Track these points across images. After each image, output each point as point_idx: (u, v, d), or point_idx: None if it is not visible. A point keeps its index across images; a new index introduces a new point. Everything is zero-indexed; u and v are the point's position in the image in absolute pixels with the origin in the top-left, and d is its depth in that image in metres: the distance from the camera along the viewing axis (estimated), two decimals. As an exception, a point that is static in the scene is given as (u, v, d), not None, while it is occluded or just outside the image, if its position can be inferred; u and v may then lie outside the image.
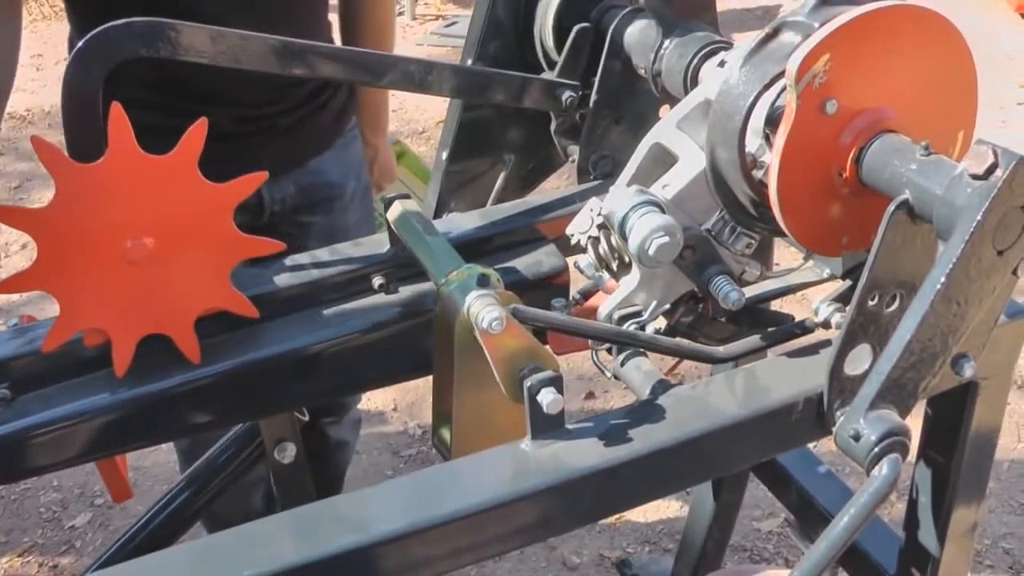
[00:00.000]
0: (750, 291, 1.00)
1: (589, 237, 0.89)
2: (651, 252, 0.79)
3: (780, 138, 0.79)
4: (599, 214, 0.84)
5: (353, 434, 1.97)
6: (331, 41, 1.70)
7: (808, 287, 1.05)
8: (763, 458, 1.05)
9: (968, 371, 0.87)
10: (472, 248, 1.12)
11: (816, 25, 0.80)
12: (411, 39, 5.08)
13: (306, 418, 1.28)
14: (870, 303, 0.80)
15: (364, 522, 0.73)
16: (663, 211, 0.82)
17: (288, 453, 1.21)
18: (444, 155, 1.23)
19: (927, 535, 1.05)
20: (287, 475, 1.23)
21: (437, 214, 1.26)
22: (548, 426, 0.77)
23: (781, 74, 0.81)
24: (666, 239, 0.79)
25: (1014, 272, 0.81)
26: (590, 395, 2.54)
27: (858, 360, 0.82)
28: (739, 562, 2.05)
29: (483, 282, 0.85)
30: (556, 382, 0.76)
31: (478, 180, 1.28)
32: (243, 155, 1.60)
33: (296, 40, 1.04)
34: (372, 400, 2.58)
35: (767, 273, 0.97)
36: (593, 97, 1.14)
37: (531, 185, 1.32)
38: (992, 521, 2.16)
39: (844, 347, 0.81)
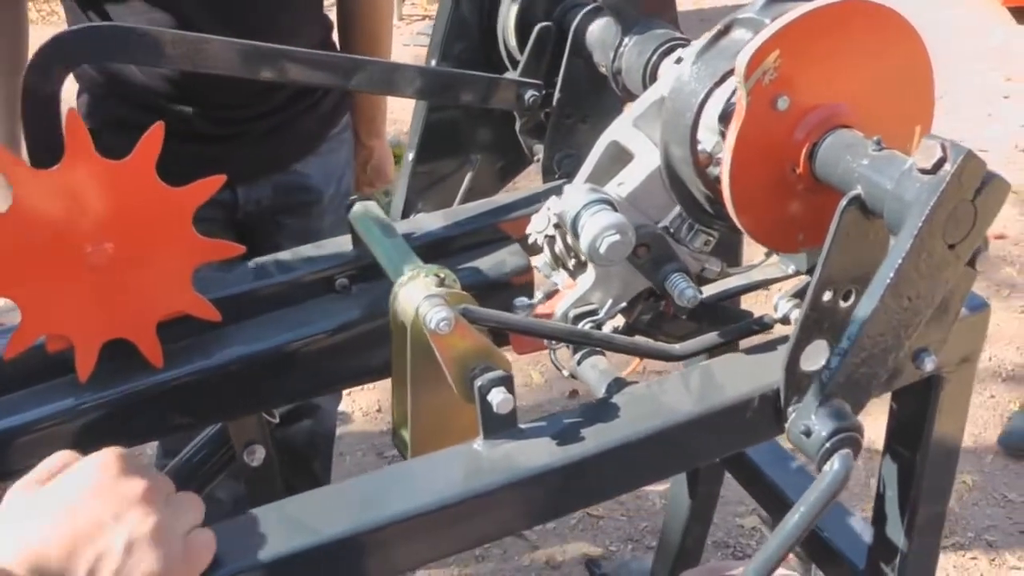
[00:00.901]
0: (713, 288, 1.00)
1: (545, 236, 0.88)
2: (602, 251, 0.79)
3: (731, 135, 0.79)
4: (554, 213, 0.84)
5: (328, 433, 1.97)
6: (327, 39, 1.70)
7: (773, 283, 1.05)
8: (720, 455, 1.05)
9: (929, 365, 0.87)
10: (436, 248, 1.12)
11: (767, 21, 0.80)
12: (398, 40, 5.08)
13: (276, 420, 1.27)
14: (825, 299, 0.80)
15: (312, 524, 0.73)
16: (615, 209, 0.82)
17: (257, 456, 1.21)
18: (410, 156, 1.23)
19: (894, 529, 1.05)
20: (256, 477, 1.22)
21: (405, 214, 1.26)
22: (500, 426, 0.77)
23: (733, 70, 0.81)
24: (617, 237, 0.79)
25: (972, 266, 0.81)
26: (574, 393, 2.54)
27: (814, 356, 0.82)
28: (722, 558, 2.05)
29: (438, 283, 0.85)
30: (506, 382, 0.75)
31: (446, 180, 1.28)
32: (221, 157, 1.60)
33: (256, 43, 1.03)
34: (356, 401, 2.58)
35: (727, 270, 0.97)
36: (556, 96, 1.13)
37: (501, 184, 1.32)
38: (975, 514, 2.16)
39: (799, 343, 0.80)
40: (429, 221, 1.15)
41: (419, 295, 0.79)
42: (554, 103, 1.14)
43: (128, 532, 0.65)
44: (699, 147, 0.85)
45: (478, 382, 0.75)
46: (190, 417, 1.07)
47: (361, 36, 1.76)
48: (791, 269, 0.99)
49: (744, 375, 0.85)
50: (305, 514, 0.75)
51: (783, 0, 0.82)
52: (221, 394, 1.04)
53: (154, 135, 0.92)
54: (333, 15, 1.76)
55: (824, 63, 0.80)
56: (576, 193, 0.83)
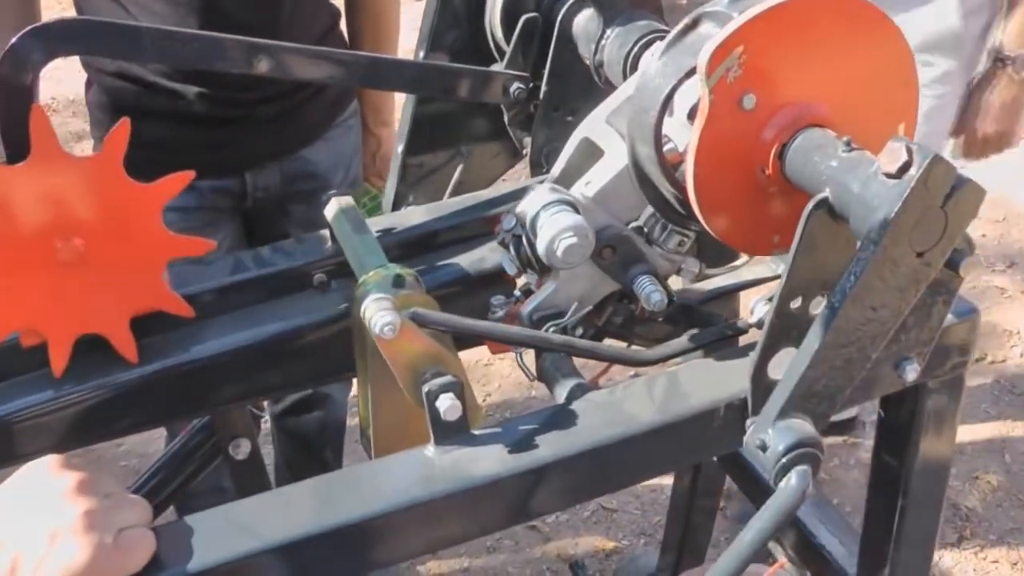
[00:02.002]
0: (696, 289, 0.98)
1: (512, 236, 0.86)
2: (559, 253, 0.77)
3: (695, 134, 0.76)
4: (514, 214, 0.81)
5: (339, 422, 1.97)
6: (333, 27, 1.68)
7: (761, 284, 1.02)
8: (686, 464, 1.02)
9: (911, 374, 0.83)
10: (419, 244, 1.11)
11: (735, 15, 0.77)
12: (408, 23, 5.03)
13: (264, 414, 1.27)
14: (793, 306, 0.77)
15: (258, 528, 0.72)
16: (576, 211, 0.79)
17: (242, 449, 1.21)
18: (400, 148, 1.22)
19: (883, 538, 1.02)
20: (242, 471, 1.22)
21: (395, 207, 1.24)
22: (450, 432, 0.75)
23: (697, 67, 0.78)
24: (574, 240, 0.77)
25: (955, 271, 0.77)
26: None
27: (784, 365, 0.79)
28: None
29: (398, 283, 0.83)
30: (455, 387, 0.74)
31: (437, 173, 1.26)
32: (229, 141, 1.60)
33: (236, 37, 1.02)
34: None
35: (707, 271, 0.94)
36: (543, 89, 1.11)
37: (494, 177, 1.30)
38: (999, 515, 2.10)
39: (765, 352, 0.77)
40: (412, 216, 1.13)
41: (369, 297, 0.77)
42: (541, 96, 1.11)
43: (54, 521, 0.65)
44: (669, 145, 0.83)
45: (426, 388, 0.74)
46: (167, 412, 1.08)
47: (367, 22, 1.74)
48: (781, 268, 0.96)
49: (712, 382, 0.82)
50: (251, 518, 0.74)
51: (755, -7, 0.79)
52: (197, 389, 1.04)
53: (120, 132, 0.91)
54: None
55: (794, 59, 0.76)
56: (536, 193, 0.80)
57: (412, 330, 0.74)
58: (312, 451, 1.97)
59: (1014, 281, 2.83)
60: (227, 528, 0.73)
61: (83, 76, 1.66)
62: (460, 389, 0.74)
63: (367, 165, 1.87)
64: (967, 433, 2.33)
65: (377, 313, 0.74)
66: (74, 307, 0.95)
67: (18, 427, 0.98)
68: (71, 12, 1.62)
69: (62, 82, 4.31)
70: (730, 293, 0.99)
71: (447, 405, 0.73)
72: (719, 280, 1.00)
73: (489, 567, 2.05)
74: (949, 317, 0.89)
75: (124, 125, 0.91)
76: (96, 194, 0.93)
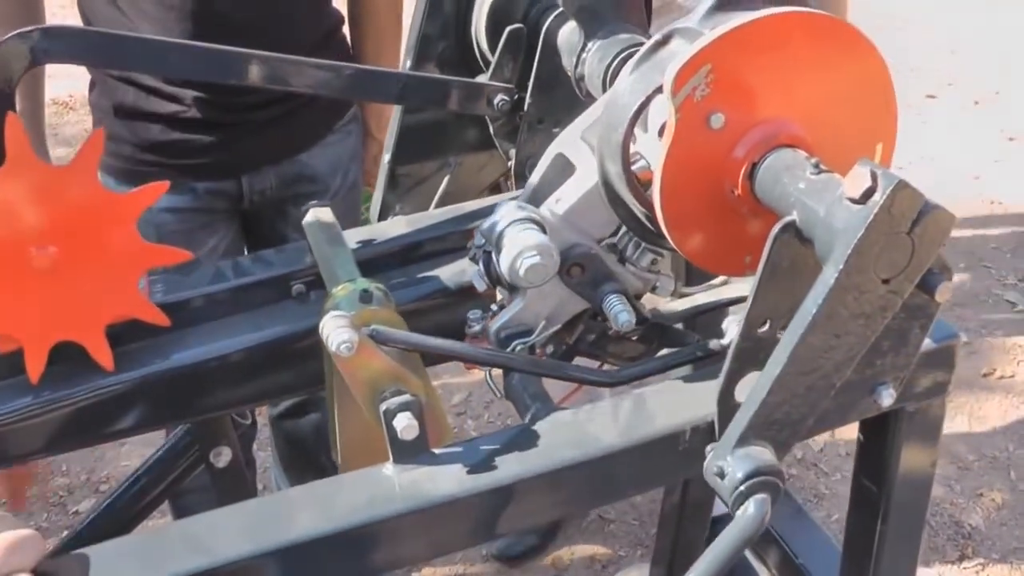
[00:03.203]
0: (678, 305, 0.96)
1: (482, 251, 0.85)
2: (521, 272, 0.76)
3: (661, 153, 0.75)
4: (480, 231, 0.81)
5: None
6: (335, 32, 1.68)
7: (741, 302, 1.00)
8: (652, 487, 1.01)
9: (887, 399, 0.82)
10: (400, 256, 1.10)
11: (705, 32, 0.76)
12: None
13: (247, 421, 1.27)
14: (761, 330, 0.76)
15: (211, 545, 0.72)
16: (542, 229, 0.78)
17: (223, 457, 1.20)
18: (387, 158, 1.21)
19: (864, 562, 1.00)
20: (223, 479, 1.22)
21: (382, 217, 1.24)
22: (410, 450, 0.74)
23: (666, 85, 0.76)
24: (537, 259, 0.76)
25: (931, 296, 0.75)
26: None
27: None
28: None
29: (365, 298, 0.82)
30: (413, 406, 0.73)
31: (426, 183, 1.26)
32: (226, 145, 1.60)
33: (222, 47, 1.02)
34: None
35: (683, 289, 0.93)
36: (527, 101, 1.10)
37: (482, 187, 1.29)
38: (1003, 534, 2.07)
39: (731, 375, 0.76)
40: (394, 227, 1.12)
41: (328, 314, 0.76)
42: (525, 108, 1.10)
43: None
44: (640, 163, 0.81)
45: (383, 406, 0.73)
46: (146, 420, 1.07)
47: (368, 34, 1.74)
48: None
49: (680, 405, 0.81)
50: (206, 534, 0.74)
51: (729, 9, 0.77)
52: (175, 397, 1.04)
53: (94, 141, 0.91)
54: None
55: (765, 78, 0.75)
56: (503, 210, 0.79)
57: (371, 348, 0.73)
58: (309, 454, 1.97)
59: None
60: (180, 543, 0.73)
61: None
62: (419, 408, 0.73)
63: (368, 170, 1.87)
64: (972, 449, 2.30)
65: (335, 331, 0.73)
66: (49, 314, 0.95)
67: (-1, 431, 0.98)
68: (75, 16, 1.63)
69: (81, 79, 4.35)
70: (708, 312, 0.98)
71: (404, 424, 0.72)
72: (701, 297, 0.99)
73: (484, 575, 2.04)
74: (927, 342, 0.88)
75: (98, 136, 0.91)
76: (71, 202, 0.92)
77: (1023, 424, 2.34)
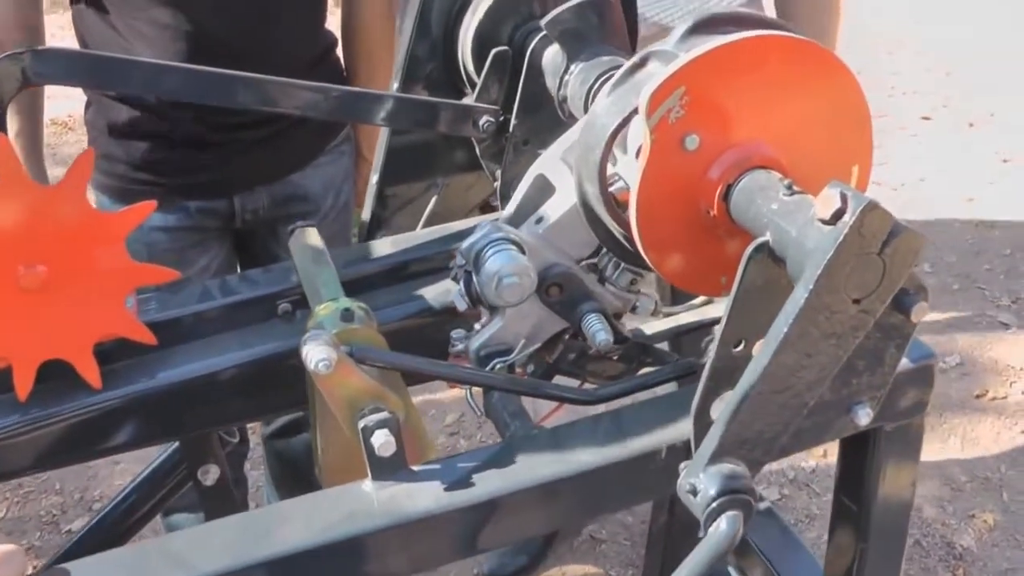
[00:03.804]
0: (660, 325, 0.97)
1: (463, 271, 0.86)
2: (498, 292, 0.77)
3: (636, 174, 0.76)
4: (460, 251, 0.82)
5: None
6: (327, 55, 1.70)
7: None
8: (629, 505, 1.01)
9: (864, 419, 0.82)
10: (387, 275, 1.11)
11: (681, 54, 0.77)
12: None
13: (235, 439, 1.28)
14: (735, 349, 0.77)
15: (191, 560, 0.72)
16: (520, 249, 0.79)
17: (211, 475, 1.21)
18: (375, 179, 1.22)
19: (844, 578, 1.00)
20: (211, 496, 1.22)
21: (370, 236, 1.25)
22: (387, 467, 0.75)
23: (642, 107, 0.78)
24: (515, 279, 0.77)
25: (907, 316, 0.76)
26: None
27: (728, 407, 0.79)
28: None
29: (347, 317, 0.83)
30: (390, 423, 0.74)
31: (413, 203, 1.27)
32: (215, 165, 1.62)
33: (211, 69, 1.03)
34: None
35: (663, 308, 0.94)
36: (512, 122, 1.11)
37: (470, 207, 1.30)
38: (994, 555, 2.06)
39: (706, 394, 0.77)
40: (381, 247, 1.13)
41: (308, 333, 0.77)
42: (510, 129, 1.12)
43: None
44: (619, 183, 0.83)
45: (361, 423, 0.74)
46: (134, 437, 1.08)
47: (361, 56, 1.76)
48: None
49: (656, 423, 0.81)
50: (186, 550, 0.74)
51: (705, 32, 0.79)
52: (163, 415, 1.04)
53: (84, 161, 0.92)
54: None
55: (740, 100, 0.76)
56: (482, 231, 0.80)
57: (349, 366, 0.74)
58: (300, 473, 1.97)
59: (1019, 317, 2.80)
60: (161, 558, 0.73)
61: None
62: (396, 425, 0.74)
63: (361, 191, 1.88)
64: (965, 470, 2.30)
65: (313, 349, 0.74)
66: (38, 332, 0.96)
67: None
68: (73, 36, 1.64)
69: (81, 100, 4.38)
70: (690, 332, 0.99)
71: (381, 441, 0.73)
72: (685, 317, 1.00)
73: (476, 595, 2.04)
74: (905, 362, 0.88)
75: (87, 156, 0.92)
76: (59, 222, 0.94)
77: (1016, 445, 2.34)
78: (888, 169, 3.55)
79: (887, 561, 0.99)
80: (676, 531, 1.47)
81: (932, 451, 2.36)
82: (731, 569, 1.23)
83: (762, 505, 1.25)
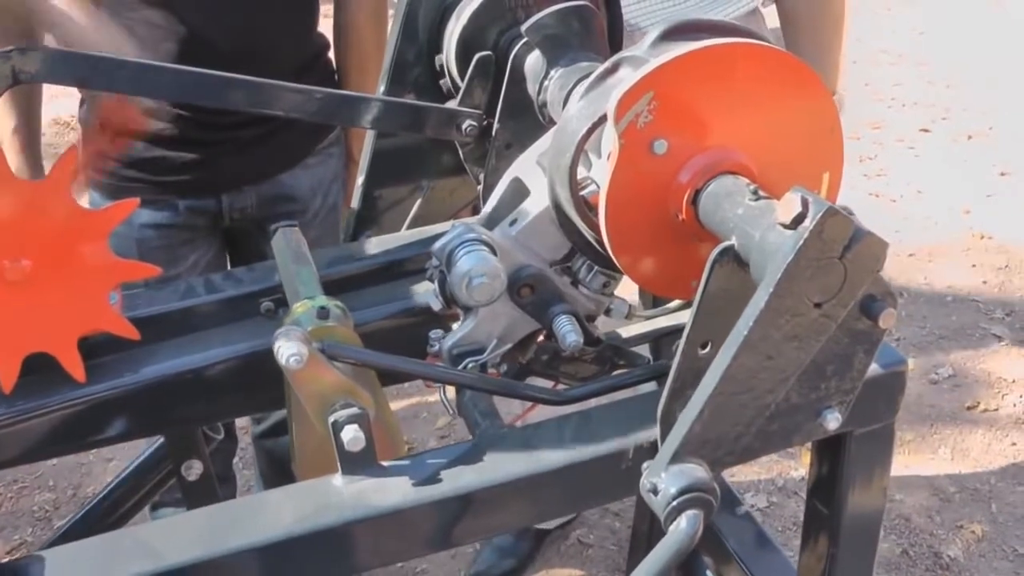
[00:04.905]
0: (634, 328, 0.98)
1: (438, 271, 0.88)
2: (468, 292, 0.78)
3: (605, 178, 0.77)
4: (433, 251, 0.83)
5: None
6: (319, 58, 1.72)
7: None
8: (595, 504, 1.02)
9: (832, 423, 0.83)
10: (369, 275, 1.12)
11: (651, 60, 0.78)
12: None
13: (219, 436, 1.29)
14: (701, 351, 0.78)
15: (162, 550, 0.74)
16: (492, 250, 0.80)
17: (194, 471, 1.22)
18: (360, 181, 1.24)
19: (815, 584, 1.01)
20: (194, 492, 1.24)
21: (355, 238, 1.26)
22: (357, 462, 0.76)
23: (612, 112, 0.79)
24: (484, 280, 0.78)
25: (875, 322, 0.77)
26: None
27: (695, 408, 0.80)
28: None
29: (323, 314, 0.84)
30: (360, 419, 0.75)
31: (399, 205, 1.28)
32: (203, 164, 1.63)
33: (198, 70, 1.05)
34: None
35: (636, 311, 0.95)
36: (495, 126, 1.12)
37: (455, 210, 1.31)
38: (981, 566, 2.07)
39: (672, 395, 0.78)
40: (364, 247, 1.15)
41: (281, 328, 0.79)
42: (493, 133, 1.13)
43: None
44: (591, 187, 0.84)
45: (331, 418, 0.75)
46: (118, 431, 1.09)
47: (352, 60, 1.77)
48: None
49: (625, 424, 0.83)
50: (158, 539, 0.76)
51: (677, 39, 0.80)
52: (146, 410, 1.06)
53: (68, 157, 0.94)
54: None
55: (709, 106, 0.78)
56: (455, 232, 0.82)
57: (321, 362, 0.75)
58: (289, 471, 1.97)
59: (1012, 330, 2.81)
60: (133, 547, 0.75)
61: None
62: (366, 421, 0.75)
63: (350, 193, 1.89)
64: (954, 481, 2.30)
65: (285, 344, 0.75)
66: (22, 326, 0.98)
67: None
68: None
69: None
70: (666, 335, 1.00)
71: (351, 436, 0.74)
72: (663, 320, 1.01)
73: (463, 597, 2.05)
74: (875, 367, 0.90)
75: (71, 152, 0.94)
76: (44, 217, 0.95)
77: (1006, 457, 2.34)
78: (886, 180, 3.57)
79: (858, 564, 1.00)
80: (659, 534, 1.48)
81: (922, 462, 2.36)
82: (708, 573, 1.24)
83: (739, 510, 1.26)
